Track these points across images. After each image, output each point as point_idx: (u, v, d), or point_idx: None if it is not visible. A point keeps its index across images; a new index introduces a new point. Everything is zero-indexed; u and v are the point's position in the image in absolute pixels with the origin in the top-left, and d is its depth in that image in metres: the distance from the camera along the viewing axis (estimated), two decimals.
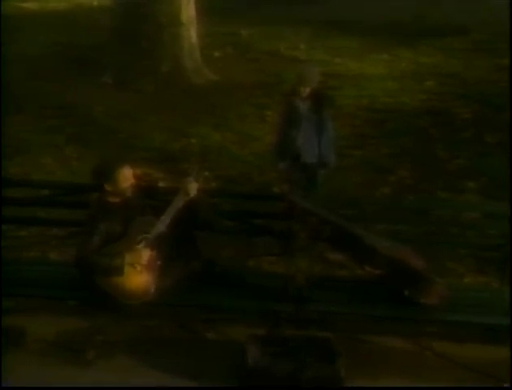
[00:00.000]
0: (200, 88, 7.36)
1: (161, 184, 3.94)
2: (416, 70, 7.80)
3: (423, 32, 8.85)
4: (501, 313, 3.52)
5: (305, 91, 4.41)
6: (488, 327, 3.68)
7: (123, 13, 7.49)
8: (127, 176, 3.61)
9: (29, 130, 6.17)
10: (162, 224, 3.58)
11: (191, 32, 7.63)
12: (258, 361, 3.45)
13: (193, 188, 3.64)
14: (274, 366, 3.45)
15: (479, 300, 3.65)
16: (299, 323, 3.60)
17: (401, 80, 7.49)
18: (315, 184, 4.61)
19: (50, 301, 3.83)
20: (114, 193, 3.61)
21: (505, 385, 3.45)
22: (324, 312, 3.63)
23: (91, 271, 3.51)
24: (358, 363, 3.49)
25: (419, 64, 7.98)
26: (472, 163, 5.66)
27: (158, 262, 3.59)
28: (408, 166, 5.64)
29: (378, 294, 3.61)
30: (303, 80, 4.42)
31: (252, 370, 3.44)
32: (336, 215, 3.72)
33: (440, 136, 6.18)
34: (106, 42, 7.75)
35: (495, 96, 6.84)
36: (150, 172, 3.96)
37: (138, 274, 3.52)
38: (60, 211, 4.04)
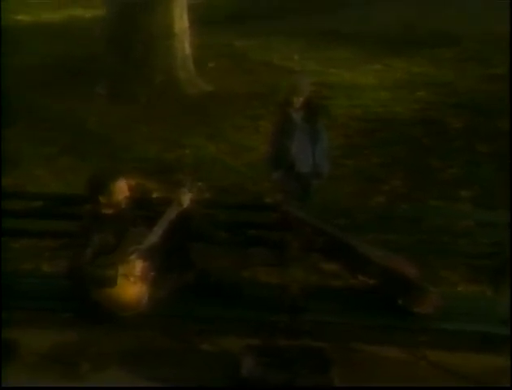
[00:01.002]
0: (194, 98, 7.38)
1: (155, 195, 3.93)
2: (408, 80, 7.85)
3: (415, 43, 8.91)
4: (495, 321, 3.52)
5: (298, 101, 4.42)
6: (482, 335, 3.68)
7: (116, 24, 7.51)
8: (122, 189, 3.61)
9: (23, 141, 6.17)
10: (154, 235, 3.58)
11: (184, 44, 7.65)
12: (252, 372, 3.44)
13: (187, 198, 3.64)
14: (268, 376, 3.44)
15: (472, 308, 3.65)
16: (293, 333, 3.59)
17: (394, 90, 7.53)
18: (309, 194, 4.61)
19: (43, 313, 3.81)
20: (107, 205, 3.60)
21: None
22: (319, 322, 3.62)
23: (84, 283, 3.49)
24: (352, 373, 3.49)
25: (411, 74, 8.03)
26: (464, 172, 5.69)
27: (152, 273, 3.58)
28: (401, 176, 5.66)
29: (372, 304, 3.61)
30: (295, 91, 4.43)
31: (246, 381, 3.43)
32: (330, 225, 3.72)
33: (432, 145, 6.20)
34: (100, 53, 7.77)
35: (486, 105, 6.89)
36: (144, 183, 3.95)
37: (131, 285, 3.51)
38: (53, 223, 4.02)
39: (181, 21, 7.59)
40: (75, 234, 3.66)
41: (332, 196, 5.13)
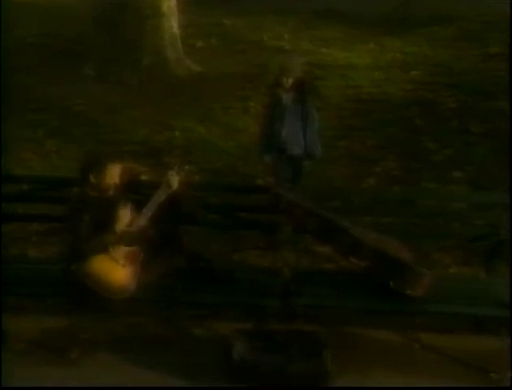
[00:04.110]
0: (183, 79, 7.28)
1: (143, 178, 3.88)
2: (402, 59, 7.77)
3: (410, 22, 8.81)
4: (489, 303, 3.51)
5: (288, 82, 4.35)
6: (476, 317, 3.66)
7: (104, 4, 7.38)
8: (114, 173, 3.59)
9: (9, 124, 6.06)
10: (143, 218, 3.55)
11: (172, 23, 7.54)
12: (244, 356, 3.43)
13: (175, 181, 3.59)
14: (260, 360, 3.44)
15: (465, 291, 3.63)
16: (286, 317, 3.57)
17: (388, 70, 7.45)
18: (301, 176, 4.56)
19: (31, 299, 3.76)
20: (96, 187, 3.57)
21: (492, 375, 3.45)
22: (311, 305, 3.60)
23: (76, 261, 3.45)
24: (346, 356, 3.47)
25: (406, 54, 7.94)
26: (459, 153, 5.64)
27: (141, 257, 3.55)
28: (394, 157, 5.61)
29: (364, 286, 3.59)
30: (285, 71, 4.37)
31: (238, 365, 3.43)
32: (322, 207, 3.68)
33: (426, 126, 6.15)
34: (87, 34, 7.66)
35: (481, 85, 6.82)
36: (133, 166, 3.90)
37: (120, 268, 3.49)
38: (40, 206, 3.96)
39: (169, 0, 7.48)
40: (62, 218, 3.61)
41: (325, 178, 5.09)
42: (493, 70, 7.15)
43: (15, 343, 3.62)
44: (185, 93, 6.89)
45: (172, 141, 5.90)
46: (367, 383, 3.40)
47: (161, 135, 6.04)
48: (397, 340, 3.71)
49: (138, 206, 3.59)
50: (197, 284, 3.62)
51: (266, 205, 3.81)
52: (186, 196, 3.68)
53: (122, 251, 3.50)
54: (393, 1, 9.35)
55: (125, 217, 3.56)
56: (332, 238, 3.68)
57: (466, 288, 3.68)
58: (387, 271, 3.55)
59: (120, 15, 7.26)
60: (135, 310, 3.71)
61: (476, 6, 8.91)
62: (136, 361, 3.53)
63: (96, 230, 3.50)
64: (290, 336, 3.52)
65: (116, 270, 3.48)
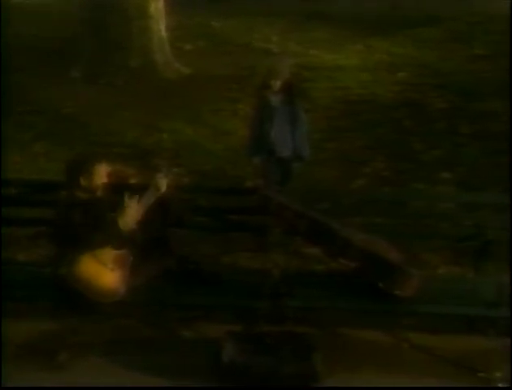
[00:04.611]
0: (171, 81, 7.28)
1: (132, 181, 3.86)
2: (390, 61, 7.81)
3: (397, 23, 8.85)
4: (477, 303, 3.52)
5: (277, 84, 4.35)
6: (464, 317, 3.68)
7: (92, 5, 7.36)
8: (102, 174, 3.58)
9: None
10: (131, 221, 3.51)
11: (160, 25, 7.54)
12: (234, 358, 3.43)
13: (164, 183, 3.58)
14: (250, 362, 3.43)
15: (454, 291, 3.65)
16: (275, 319, 3.57)
17: (376, 72, 7.48)
18: (290, 178, 4.57)
19: (21, 303, 3.74)
20: (84, 190, 3.56)
21: (481, 375, 3.46)
22: (301, 307, 3.60)
23: (62, 267, 3.43)
24: (336, 357, 3.48)
25: (393, 55, 7.98)
26: (447, 154, 5.67)
27: (130, 260, 3.54)
28: (383, 158, 5.63)
29: (354, 288, 3.60)
30: (274, 73, 4.37)
31: (228, 368, 3.42)
32: (311, 209, 3.68)
33: (414, 127, 6.18)
34: (75, 35, 7.63)
35: (469, 86, 6.87)
36: (121, 168, 3.88)
37: (109, 271, 3.48)
38: (28, 210, 3.94)
39: (157, 2, 7.47)
40: (50, 221, 3.58)
41: (314, 179, 5.10)
42: (480, 71, 7.20)
43: (5, 347, 3.59)
44: (174, 95, 6.89)
45: (161, 144, 5.89)
46: (357, 383, 3.40)
47: (149, 137, 6.03)
48: (387, 340, 3.72)
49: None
50: (187, 287, 3.61)
51: (255, 208, 3.81)
52: (175, 198, 3.67)
53: (110, 254, 3.49)
54: (381, 2, 9.40)
55: (114, 220, 3.54)
56: (322, 240, 3.68)
57: (455, 288, 3.69)
58: (376, 272, 3.56)
59: (107, 16, 7.25)
60: (125, 313, 3.69)
61: (462, 7, 8.98)
62: (127, 364, 3.52)
63: (84, 233, 3.48)
64: (280, 338, 3.51)
65: (105, 273, 3.47)
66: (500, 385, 3.42)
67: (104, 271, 3.47)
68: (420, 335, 3.71)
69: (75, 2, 7.88)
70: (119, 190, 3.72)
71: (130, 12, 7.25)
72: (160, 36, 7.57)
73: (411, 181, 5.22)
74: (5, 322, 3.68)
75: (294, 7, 9.40)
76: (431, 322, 3.75)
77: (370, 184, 5.20)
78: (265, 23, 9.03)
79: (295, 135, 4.44)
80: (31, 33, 8.34)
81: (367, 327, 3.75)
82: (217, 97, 6.78)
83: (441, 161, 5.55)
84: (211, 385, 3.41)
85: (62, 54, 7.68)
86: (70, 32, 7.78)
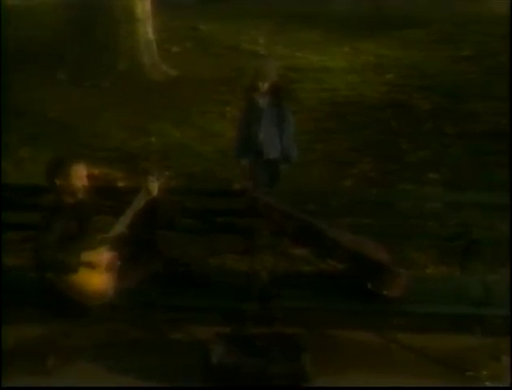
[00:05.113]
0: (159, 84, 7.26)
1: (120, 184, 3.84)
2: (377, 62, 7.84)
3: (383, 24, 8.90)
4: (465, 302, 3.55)
5: (264, 86, 4.36)
6: (452, 316, 3.70)
7: (78, 8, 7.33)
8: (79, 174, 3.54)
9: None
10: (121, 225, 3.53)
11: (147, 28, 7.52)
12: (223, 360, 3.42)
13: (155, 187, 3.57)
14: (239, 363, 3.43)
15: (441, 290, 3.67)
16: (264, 320, 3.57)
17: (362, 73, 7.52)
18: (278, 180, 4.57)
19: (9, 308, 3.70)
20: (67, 192, 3.54)
21: (469, 373, 3.48)
22: (289, 308, 3.60)
23: (48, 270, 3.42)
24: (324, 357, 3.48)
25: (380, 56, 8.02)
26: (433, 154, 5.71)
27: (119, 263, 3.53)
28: (370, 159, 5.65)
29: (342, 288, 3.60)
30: (261, 75, 4.37)
31: (217, 369, 3.41)
32: (299, 210, 3.69)
33: (401, 128, 6.21)
34: (61, 38, 7.58)
35: (455, 87, 6.92)
36: (109, 172, 3.86)
37: (97, 275, 3.47)
38: (13, 215, 3.91)
39: (143, 4, 7.45)
40: (36, 225, 3.56)
41: (302, 181, 5.11)
42: (466, 72, 7.26)
43: None
44: (161, 97, 6.87)
45: (149, 146, 5.87)
46: (346, 383, 3.41)
47: (137, 140, 6.01)
48: (375, 340, 3.73)
49: (116, 213, 3.56)
50: (176, 289, 3.61)
51: (243, 209, 3.81)
52: (165, 201, 3.66)
53: (98, 257, 3.47)
54: (367, 4, 9.45)
55: (101, 223, 3.53)
56: (310, 241, 3.69)
57: (442, 287, 3.72)
58: (364, 272, 3.57)
59: (94, 18, 7.22)
60: (114, 316, 3.67)
61: (448, 8, 9.05)
62: (116, 367, 3.51)
63: (69, 237, 3.46)
64: (269, 339, 3.51)
65: (93, 276, 3.45)
66: (487, 384, 3.45)
67: (92, 274, 3.45)
68: (409, 335, 3.72)
69: (61, 4, 7.84)
70: (106, 193, 3.72)
71: (117, 14, 7.23)
72: (147, 38, 7.55)
73: (398, 182, 5.25)
74: None
75: (280, 9, 9.42)
76: (420, 321, 3.77)
77: (358, 185, 5.22)
78: (252, 25, 9.04)
79: (283, 136, 4.44)
80: (16, 35, 8.28)
81: (356, 327, 3.76)
82: (205, 99, 6.78)
83: (428, 161, 5.59)
84: (201, 386, 3.40)
85: (49, 56, 7.62)
86: (56, 34, 7.73)
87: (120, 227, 3.52)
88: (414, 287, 3.55)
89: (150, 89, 7.07)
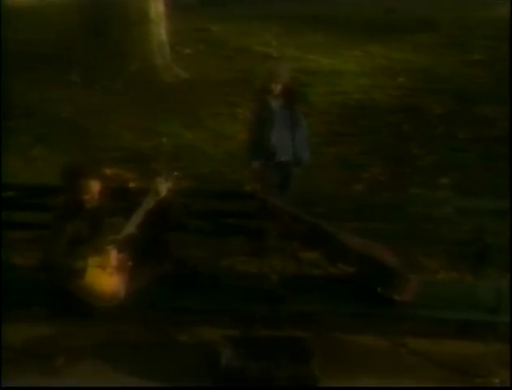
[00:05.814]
0: (171, 85, 7.28)
1: (131, 185, 3.86)
2: (388, 66, 7.83)
3: (395, 28, 8.89)
4: (476, 308, 3.53)
5: (277, 88, 4.35)
6: (462, 322, 3.68)
7: (91, 9, 7.36)
8: (92, 189, 3.51)
9: None
10: (131, 225, 3.54)
11: (160, 29, 7.54)
12: (232, 363, 3.42)
13: (164, 188, 3.58)
14: (248, 366, 3.42)
15: (452, 296, 3.65)
16: (273, 323, 3.56)
17: (374, 76, 7.50)
18: (289, 182, 4.56)
19: (17, 307, 3.71)
20: (84, 199, 3.53)
21: (478, 380, 3.45)
22: (298, 311, 3.59)
23: (56, 273, 3.43)
24: (333, 362, 3.48)
25: (391, 60, 8.00)
26: (445, 159, 5.68)
27: (129, 264, 3.53)
28: (381, 163, 5.63)
29: (352, 292, 3.59)
30: (274, 77, 4.36)
31: (225, 371, 3.41)
32: (309, 213, 3.68)
33: (412, 132, 6.19)
34: (74, 40, 7.62)
35: (466, 91, 6.88)
36: (121, 173, 3.88)
37: (108, 276, 3.48)
38: (25, 214, 3.93)
39: (157, 6, 7.47)
40: (47, 225, 3.58)
41: (313, 184, 5.09)
42: (477, 76, 7.22)
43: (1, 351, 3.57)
44: (173, 99, 6.88)
45: (160, 148, 5.89)
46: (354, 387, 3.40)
47: (148, 141, 6.03)
48: (384, 344, 3.71)
49: (126, 214, 3.56)
50: (185, 290, 3.61)
51: (253, 212, 3.81)
52: (174, 202, 3.66)
53: (109, 259, 3.48)
54: (379, 7, 9.44)
55: (113, 224, 3.53)
56: (319, 244, 3.68)
57: (453, 293, 3.69)
58: (374, 277, 3.56)
59: (107, 21, 7.25)
60: (122, 317, 3.67)
61: (460, 12, 9.01)
62: (123, 369, 3.51)
63: (79, 240, 3.47)
64: (277, 342, 3.50)
65: (104, 277, 3.46)
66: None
67: (103, 275, 3.46)
68: (418, 339, 3.70)
69: (74, 6, 7.89)
70: (117, 195, 3.73)
71: (130, 16, 7.25)
72: (160, 39, 7.57)
73: (409, 186, 5.22)
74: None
75: (292, 11, 9.43)
76: (430, 326, 3.75)
77: (369, 189, 5.20)
78: (263, 27, 9.05)
79: (295, 139, 4.43)
80: (30, 37, 8.35)
81: (365, 331, 3.74)
82: (216, 101, 6.79)
83: (439, 166, 5.56)
84: (208, 386, 3.40)
85: (62, 58, 7.66)
86: (70, 36, 7.77)
87: (131, 227, 3.53)
88: (425, 292, 3.54)
89: (162, 91, 7.09)
